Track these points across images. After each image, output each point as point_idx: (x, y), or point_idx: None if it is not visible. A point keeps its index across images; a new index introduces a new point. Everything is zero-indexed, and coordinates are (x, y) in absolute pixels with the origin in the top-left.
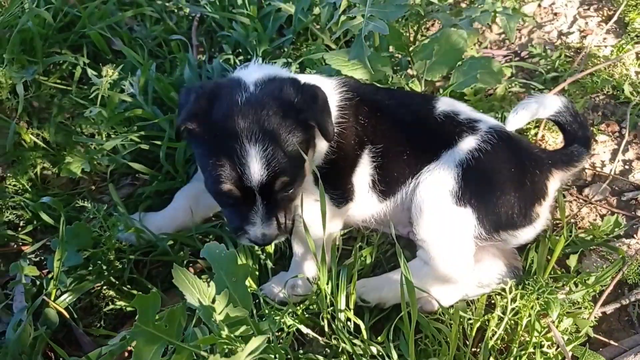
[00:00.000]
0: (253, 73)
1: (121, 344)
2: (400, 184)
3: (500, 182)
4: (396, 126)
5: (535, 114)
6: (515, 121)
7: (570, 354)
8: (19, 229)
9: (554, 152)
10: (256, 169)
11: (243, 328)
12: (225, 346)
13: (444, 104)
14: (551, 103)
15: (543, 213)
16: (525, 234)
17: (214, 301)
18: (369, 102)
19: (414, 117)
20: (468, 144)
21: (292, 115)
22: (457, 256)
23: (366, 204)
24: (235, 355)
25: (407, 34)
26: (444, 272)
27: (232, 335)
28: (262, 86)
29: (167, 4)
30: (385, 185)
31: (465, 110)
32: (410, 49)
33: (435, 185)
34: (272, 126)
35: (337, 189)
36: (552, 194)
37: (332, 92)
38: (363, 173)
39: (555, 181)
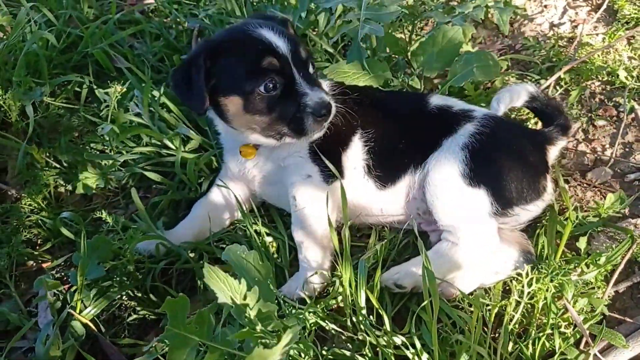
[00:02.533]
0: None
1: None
2: (402, 172)
3: (506, 160)
4: (388, 115)
5: (510, 103)
6: (501, 107)
7: (587, 332)
8: (37, 247)
9: (541, 130)
10: (280, 42)
11: (274, 323)
12: (259, 340)
13: (437, 99)
14: (521, 91)
15: (549, 186)
16: (536, 207)
17: (245, 298)
18: (358, 90)
19: (408, 109)
20: (468, 129)
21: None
22: (483, 234)
23: (364, 191)
24: (274, 347)
25: (403, 35)
26: (474, 252)
27: (266, 330)
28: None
29: (165, 20)
30: (382, 171)
31: (457, 103)
32: (408, 49)
33: (446, 171)
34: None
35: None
36: (551, 168)
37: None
38: (355, 156)
39: (550, 156)
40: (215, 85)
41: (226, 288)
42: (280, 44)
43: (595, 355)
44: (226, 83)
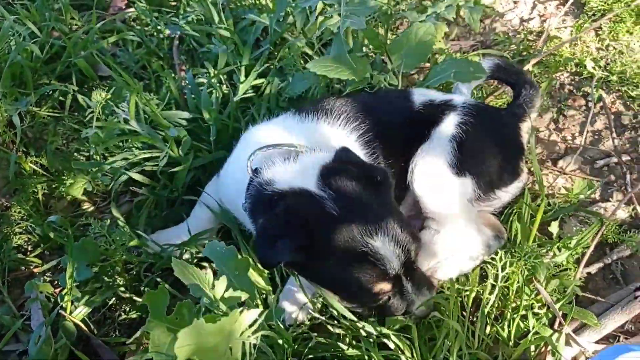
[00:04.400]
0: (300, 174)
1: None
2: (397, 168)
3: (489, 146)
4: (374, 114)
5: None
6: (464, 90)
7: (560, 313)
8: (28, 253)
9: (511, 106)
10: (393, 256)
11: (242, 308)
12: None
13: (418, 94)
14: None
15: (524, 167)
16: (515, 189)
17: (213, 287)
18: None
19: (394, 109)
20: (452, 119)
21: (373, 187)
22: (465, 220)
23: None
24: (230, 317)
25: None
26: (456, 239)
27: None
28: (331, 182)
29: (146, 28)
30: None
31: (437, 95)
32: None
33: (434, 161)
34: (376, 210)
35: None
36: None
37: None
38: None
39: (524, 133)
40: (308, 263)
41: (195, 279)
42: (394, 261)
43: (568, 334)
44: (323, 282)
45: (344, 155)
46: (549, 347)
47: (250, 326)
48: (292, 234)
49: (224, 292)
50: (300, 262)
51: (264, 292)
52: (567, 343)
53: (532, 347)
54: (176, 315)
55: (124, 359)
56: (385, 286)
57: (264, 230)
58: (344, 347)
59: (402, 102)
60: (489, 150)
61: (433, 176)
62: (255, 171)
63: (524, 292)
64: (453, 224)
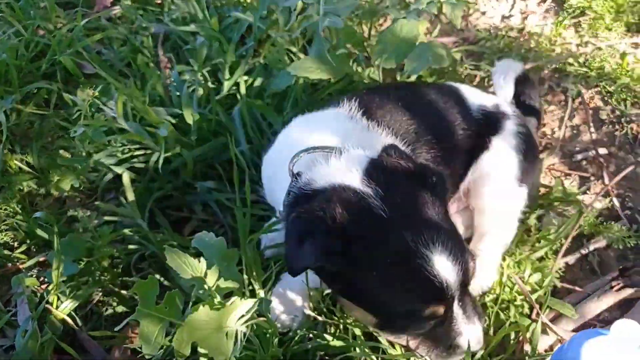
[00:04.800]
0: (342, 170)
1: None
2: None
3: (535, 156)
4: (426, 117)
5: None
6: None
7: (534, 302)
8: (14, 249)
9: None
10: (452, 273)
11: (235, 298)
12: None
13: (469, 94)
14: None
15: None
16: None
17: (205, 275)
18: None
19: (449, 114)
20: (511, 128)
21: (428, 190)
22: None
23: None
24: (225, 308)
25: (362, 32)
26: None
27: (225, 303)
28: (378, 178)
29: (131, 26)
30: None
31: (486, 97)
32: (366, 44)
33: (503, 173)
34: (432, 216)
35: None
36: None
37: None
38: None
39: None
40: (343, 273)
41: (187, 268)
42: (453, 280)
43: (544, 323)
44: (359, 299)
45: (393, 151)
46: (528, 336)
47: (242, 316)
48: (322, 233)
49: (216, 282)
50: (332, 271)
51: (252, 282)
52: (545, 332)
53: (512, 336)
54: (165, 305)
55: (110, 353)
56: (439, 310)
57: (292, 227)
58: (329, 337)
59: (457, 107)
60: (535, 159)
61: (502, 190)
62: (297, 175)
63: (507, 285)
64: (504, 239)
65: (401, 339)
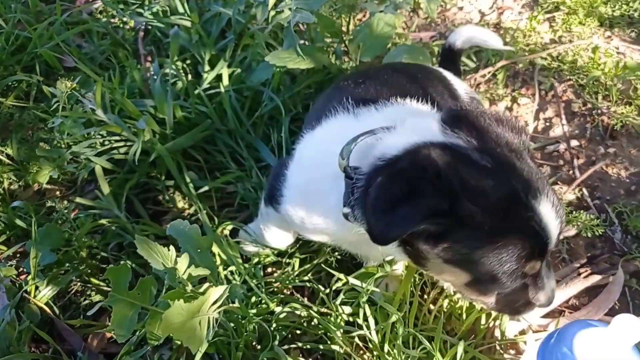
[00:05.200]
0: (418, 129)
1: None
2: None
3: None
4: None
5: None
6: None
7: None
8: None
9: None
10: (555, 228)
11: (207, 285)
12: (191, 300)
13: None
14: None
15: None
16: None
17: (176, 263)
18: None
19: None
20: None
21: (519, 137)
22: None
23: None
24: (195, 301)
25: (341, 25)
26: None
27: (197, 290)
28: (468, 131)
29: (112, 20)
30: None
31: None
32: (345, 38)
33: None
34: (532, 166)
35: None
36: None
37: None
38: None
39: None
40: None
41: (157, 256)
42: (554, 236)
43: None
44: (461, 258)
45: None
46: (497, 322)
47: (215, 302)
48: (428, 192)
49: (186, 269)
50: (430, 233)
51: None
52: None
53: (483, 321)
54: (138, 291)
55: (87, 341)
56: (536, 265)
57: (382, 191)
58: (304, 314)
59: (450, 90)
60: None
61: None
62: (355, 168)
63: None
64: None
65: (487, 296)
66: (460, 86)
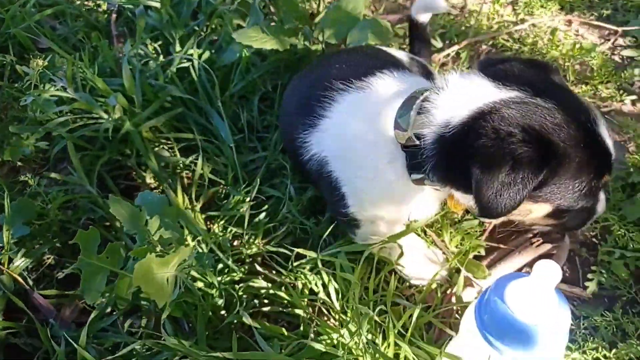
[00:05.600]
0: (473, 91)
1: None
2: None
3: None
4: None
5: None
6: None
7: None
8: None
9: None
10: (611, 142)
11: (176, 245)
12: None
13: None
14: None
15: None
16: None
17: (146, 224)
18: None
19: None
20: None
21: (557, 76)
22: None
23: None
24: (167, 256)
25: (309, 9)
26: None
27: (166, 251)
28: (518, 82)
29: (85, 2)
30: None
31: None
32: (315, 20)
33: None
34: (581, 99)
35: None
36: None
37: None
38: None
39: None
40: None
41: (129, 216)
42: (613, 151)
43: (466, 276)
44: (547, 191)
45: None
46: (454, 290)
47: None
48: (526, 157)
49: (156, 232)
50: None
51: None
52: (471, 285)
53: (441, 289)
54: (107, 255)
55: (61, 311)
56: (607, 178)
57: (487, 173)
58: (265, 284)
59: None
60: None
61: None
62: (418, 137)
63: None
64: None
65: (561, 219)
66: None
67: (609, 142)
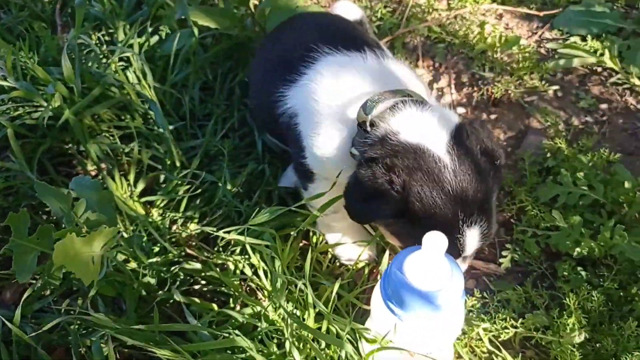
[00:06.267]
0: (434, 131)
1: None
2: None
3: None
4: None
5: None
6: None
7: None
8: None
9: None
10: (473, 248)
11: (101, 226)
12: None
13: None
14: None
15: None
16: None
17: (73, 207)
18: None
19: None
20: None
21: (491, 170)
22: None
23: None
24: (90, 235)
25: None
26: None
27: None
28: (459, 151)
29: None
30: None
31: None
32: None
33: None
34: (486, 198)
35: None
36: None
37: None
38: None
39: None
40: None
41: (56, 199)
42: (470, 253)
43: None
44: (402, 234)
45: (471, 124)
46: (379, 267)
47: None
48: (391, 200)
49: (83, 214)
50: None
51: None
52: None
53: (366, 270)
54: (37, 236)
55: (1, 294)
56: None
57: (358, 186)
58: (199, 265)
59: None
60: None
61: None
62: (371, 124)
63: None
64: None
65: None
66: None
67: (470, 245)
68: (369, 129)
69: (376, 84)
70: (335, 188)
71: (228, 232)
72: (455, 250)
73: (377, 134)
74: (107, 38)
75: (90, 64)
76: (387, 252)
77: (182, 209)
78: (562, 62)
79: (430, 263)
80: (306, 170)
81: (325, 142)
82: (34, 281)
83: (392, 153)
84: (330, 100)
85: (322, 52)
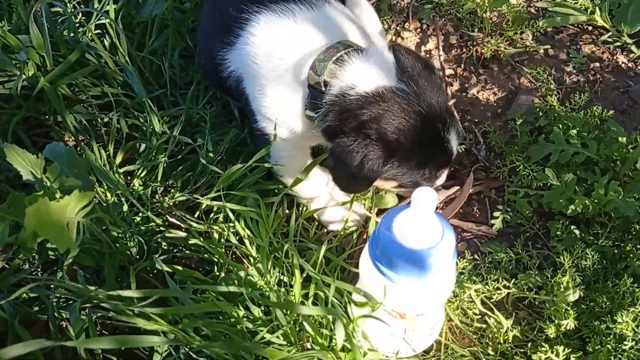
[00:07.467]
0: (381, 71)
1: None
2: None
3: None
4: None
5: None
6: None
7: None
8: None
9: None
10: (456, 144)
11: (75, 191)
12: None
13: None
14: None
15: None
16: None
17: (45, 171)
18: None
19: None
20: None
21: (437, 80)
22: None
23: None
24: (63, 200)
25: None
26: None
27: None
28: (409, 77)
29: None
30: None
31: None
32: None
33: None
34: (448, 107)
35: None
36: None
37: None
38: None
39: None
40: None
41: (27, 164)
42: (455, 152)
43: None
44: (392, 174)
45: (399, 47)
46: (367, 230)
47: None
48: (374, 155)
49: (56, 179)
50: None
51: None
52: None
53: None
54: (8, 205)
55: None
56: (445, 171)
57: (342, 164)
58: (183, 234)
59: None
60: None
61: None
62: (325, 84)
63: None
64: None
65: (407, 192)
66: None
67: (453, 145)
68: (323, 89)
69: (315, 38)
70: (297, 151)
71: (210, 199)
72: (445, 155)
73: (333, 93)
74: (82, 6)
75: (66, 33)
76: (373, 217)
77: (160, 176)
78: (558, 19)
79: (420, 221)
80: (261, 134)
81: (275, 104)
82: (5, 254)
83: (356, 107)
84: (274, 64)
85: (251, 11)
